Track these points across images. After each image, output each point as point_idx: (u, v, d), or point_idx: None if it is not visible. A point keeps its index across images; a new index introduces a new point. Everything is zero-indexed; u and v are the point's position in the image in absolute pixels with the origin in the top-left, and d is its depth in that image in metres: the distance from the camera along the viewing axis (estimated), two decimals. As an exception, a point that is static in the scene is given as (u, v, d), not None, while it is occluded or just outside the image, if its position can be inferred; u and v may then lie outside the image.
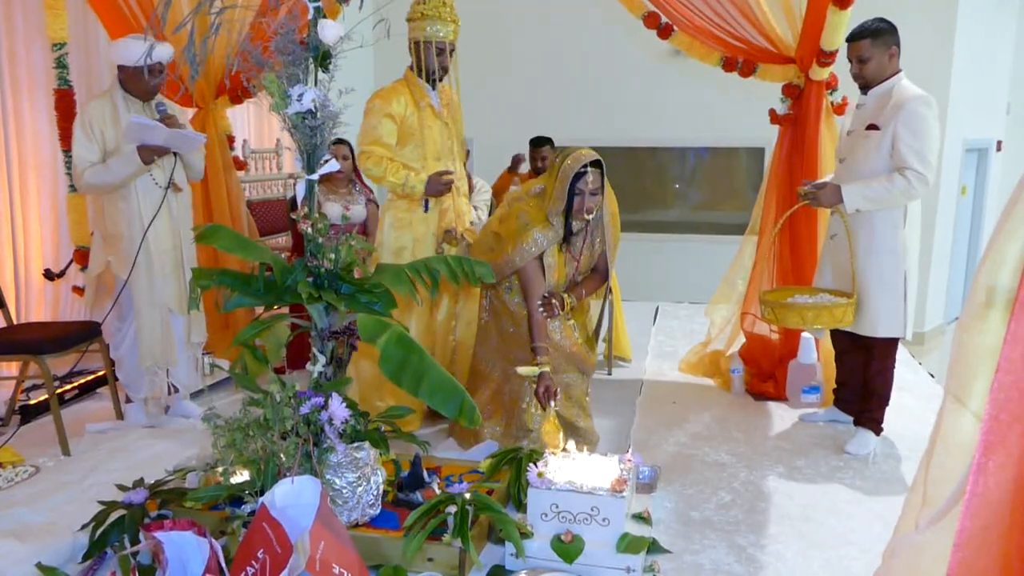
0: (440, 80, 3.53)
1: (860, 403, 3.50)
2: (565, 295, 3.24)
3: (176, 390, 3.80)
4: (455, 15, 3.44)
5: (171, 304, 3.60)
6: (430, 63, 3.44)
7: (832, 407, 3.76)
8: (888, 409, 3.41)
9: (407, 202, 3.54)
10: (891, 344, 3.36)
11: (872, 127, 3.22)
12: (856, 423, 3.52)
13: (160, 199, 3.49)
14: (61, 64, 4.01)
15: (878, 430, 3.45)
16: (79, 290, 4.24)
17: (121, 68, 3.43)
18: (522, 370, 3.07)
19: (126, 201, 3.46)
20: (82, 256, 4.01)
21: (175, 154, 3.50)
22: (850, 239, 3.25)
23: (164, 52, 3.41)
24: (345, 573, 1.92)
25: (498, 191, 5.15)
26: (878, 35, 3.20)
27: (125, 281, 3.46)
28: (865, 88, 3.30)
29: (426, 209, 3.54)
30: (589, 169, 3.00)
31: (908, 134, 3.10)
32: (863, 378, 3.46)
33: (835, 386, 3.74)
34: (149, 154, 3.35)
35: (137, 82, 3.43)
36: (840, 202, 3.20)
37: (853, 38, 3.26)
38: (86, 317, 4.01)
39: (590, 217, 3.10)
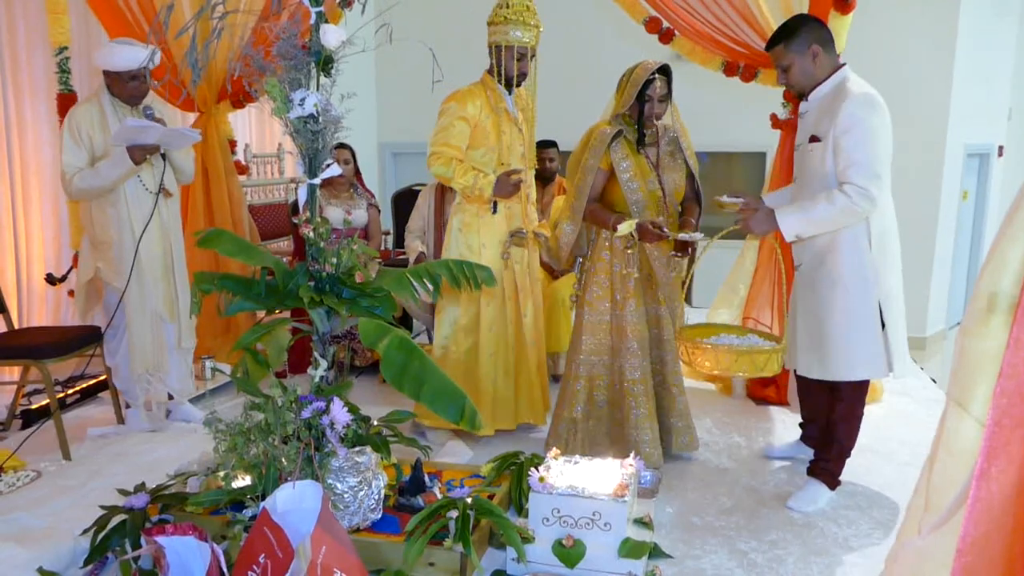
0: (519, 85, 3.51)
1: (818, 449, 3.06)
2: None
3: (171, 397, 3.79)
4: (538, 20, 3.40)
5: (161, 310, 3.60)
6: (510, 68, 3.40)
7: (797, 441, 3.40)
8: (890, 414, 3.33)
9: (476, 206, 3.46)
10: (860, 386, 2.90)
11: (814, 139, 2.80)
12: (809, 472, 3.03)
13: (151, 205, 3.49)
14: (63, 68, 4.02)
15: (833, 484, 2.97)
16: (73, 294, 4.25)
17: (107, 73, 3.43)
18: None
19: (115, 207, 3.45)
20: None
21: (164, 157, 3.49)
22: (784, 268, 2.76)
23: (144, 56, 3.32)
24: (346, 578, 1.91)
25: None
26: (791, 38, 2.82)
27: (123, 291, 3.44)
28: (803, 95, 2.93)
29: (494, 211, 3.47)
30: (657, 76, 3.12)
31: (847, 143, 2.66)
32: (826, 421, 3.01)
33: (800, 420, 3.40)
34: (141, 153, 3.33)
35: (123, 87, 3.43)
36: (775, 229, 2.75)
37: (768, 46, 2.93)
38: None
39: (659, 122, 3.25)
